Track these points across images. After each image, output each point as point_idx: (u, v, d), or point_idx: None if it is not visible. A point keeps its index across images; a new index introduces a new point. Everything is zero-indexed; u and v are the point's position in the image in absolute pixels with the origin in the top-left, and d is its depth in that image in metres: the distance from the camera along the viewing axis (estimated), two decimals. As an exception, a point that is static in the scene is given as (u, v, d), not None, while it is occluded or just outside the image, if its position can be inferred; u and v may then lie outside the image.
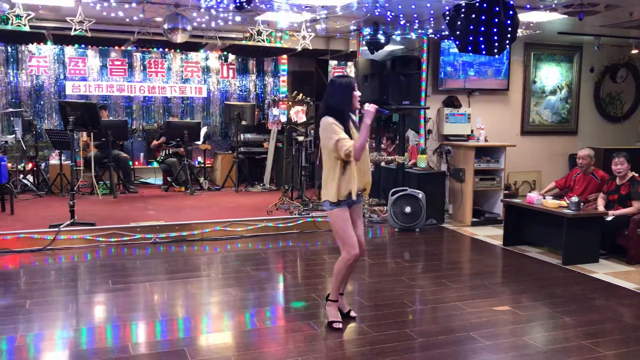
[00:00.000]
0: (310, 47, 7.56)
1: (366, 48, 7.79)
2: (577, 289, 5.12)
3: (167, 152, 9.78)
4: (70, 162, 9.11)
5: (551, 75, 9.16)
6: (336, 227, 3.98)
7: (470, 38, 5.04)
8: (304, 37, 7.14)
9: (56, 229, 6.22)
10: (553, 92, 9.22)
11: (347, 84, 3.95)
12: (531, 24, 7.38)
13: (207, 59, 10.82)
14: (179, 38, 6.22)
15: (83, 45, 10.02)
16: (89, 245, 6.28)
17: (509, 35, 5.10)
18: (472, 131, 8.31)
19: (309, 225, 7.15)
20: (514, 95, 8.87)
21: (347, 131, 3.88)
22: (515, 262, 6.13)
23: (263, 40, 7.38)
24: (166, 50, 10.43)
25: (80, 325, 4.12)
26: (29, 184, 8.71)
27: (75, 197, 6.49)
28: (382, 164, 8.24)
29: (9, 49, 9.72)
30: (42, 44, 9.58)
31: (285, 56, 10.84)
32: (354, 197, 3.95)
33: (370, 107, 3.86)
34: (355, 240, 3.98)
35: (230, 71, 11.02)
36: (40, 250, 6.07)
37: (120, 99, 10.45)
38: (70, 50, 10.05)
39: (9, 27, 6.01)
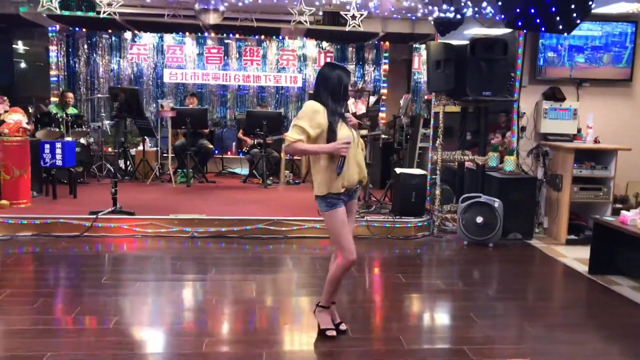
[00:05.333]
0: (362, 29, 6.67)
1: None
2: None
3: (253, 143, 9.51)
4: (152, 147, 9.23)
5: (696, 63, 7.28)
6: (333, 230, 3.52)
7: (518, 10, 3.91)
8: (353, 17, 6.31)
9: (94, 216, 6.17)
10: (698, 84, 7.33)
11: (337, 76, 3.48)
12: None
13: (304, 46, 10.35)
14: (211, 19, 5.81)
15: (130, 31, 10.04)
16: (125, 235, 6.13)
17: (573, 7, 3.88)
18: (579, 130, 6.88)
19: (360, 230, 6.35)
20: (640, 87, 7.19)
21: (333, 126, 3.40)
22: (593, 298, 4.82)
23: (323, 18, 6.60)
24: (261, 37, 10.16)
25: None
26: (112, 168, 8.92)
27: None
28: (473, 165, 7.14)
29: (113, 37, 10.08)
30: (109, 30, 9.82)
31: (387, 43, 10.01)
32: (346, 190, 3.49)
33: None
34: (353, 244, 3.52)
35: (328, 59, 10.44)
36: (77, 236, 6.03)
37: (215, 87, 10.38)
38: (168, 38, 10.17)
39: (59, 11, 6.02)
